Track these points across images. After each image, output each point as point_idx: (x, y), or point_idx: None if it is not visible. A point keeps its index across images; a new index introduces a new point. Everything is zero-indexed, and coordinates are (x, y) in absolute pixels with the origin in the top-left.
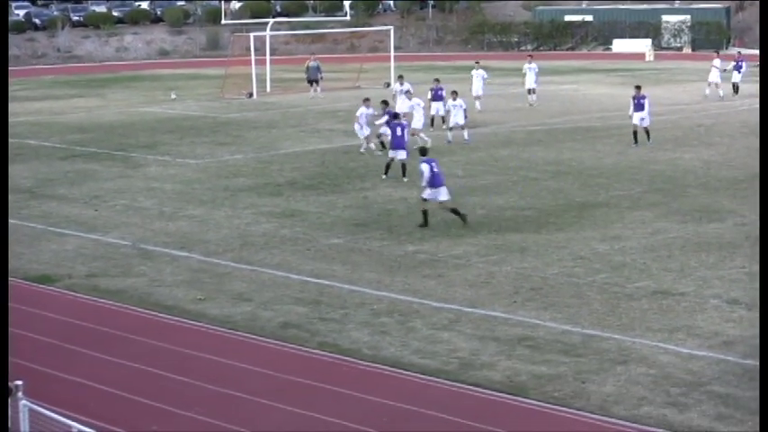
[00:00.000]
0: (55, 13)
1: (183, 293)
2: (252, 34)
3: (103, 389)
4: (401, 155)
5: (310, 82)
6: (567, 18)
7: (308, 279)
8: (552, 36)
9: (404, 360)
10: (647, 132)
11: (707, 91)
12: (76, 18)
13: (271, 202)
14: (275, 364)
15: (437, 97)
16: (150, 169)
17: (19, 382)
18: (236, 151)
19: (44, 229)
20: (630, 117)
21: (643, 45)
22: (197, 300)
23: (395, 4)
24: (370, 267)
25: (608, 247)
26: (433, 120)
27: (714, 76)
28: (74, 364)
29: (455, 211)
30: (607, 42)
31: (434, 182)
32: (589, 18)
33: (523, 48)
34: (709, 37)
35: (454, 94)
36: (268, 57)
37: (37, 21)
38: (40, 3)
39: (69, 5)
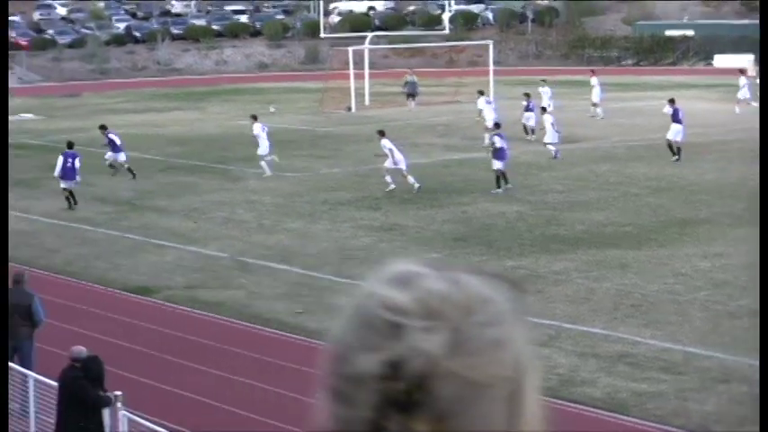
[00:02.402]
0: (155, 26)
1: (281, 306)
2: (350, 48)
3: (201, 400)
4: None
5: (409, 96)
6: (668, 33)
7: None
8: (653, 51)
9: None
10: (678, 148)
11: (737, 109)
12: (176, 31)
13: (369, 215)
14: None
15: (529, 108)
16: (249, 182)
17: (118, 393)
18: (334, 165)
19: (143, 240)
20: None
21: (745, 60)
22: (295, 313)
23: (494, 18)
24: None
25: (710, 265)
26: (525, 128)
27: (743, 92)
28: (171, 374)
29: (72, 197)
30: (708, 57)
31: (66, 175)
32: (690, 33)
33: (624, 62)
34: None
35: (543, 110)
36: (367, 70)
37: (137, 34)
38: (140, 16)
39: (169, 19)
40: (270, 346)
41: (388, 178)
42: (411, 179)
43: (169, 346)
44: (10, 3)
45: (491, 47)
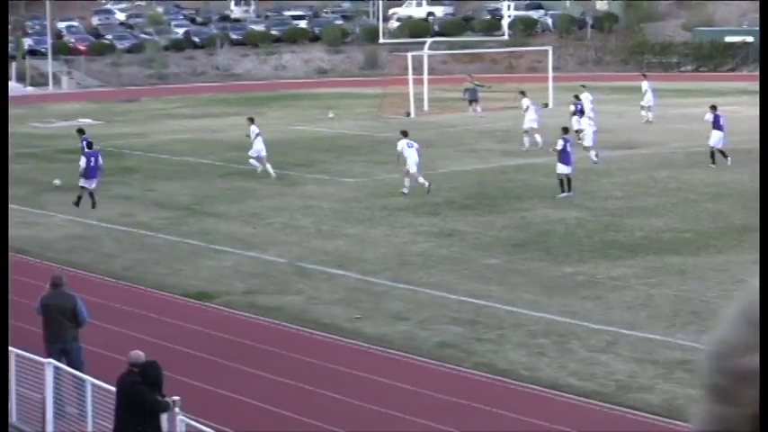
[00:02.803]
0: (214, 31)
1: (339, 312)
2: (410, 54)
3: (259, 405)
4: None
5: (471, 102)
6: (728, 39)
7: (465, 299)
8: (712, 57)
9: (561, 382)
10: (722, 152)
11: None
12: (235, 37)
13: (428, 221)
14: (431, 383)
15: (578, 112)
16: (308, 188)
17: (177, 398)
18: (393, 170)
19: (203, 246)
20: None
21: None
22: (354, 318)
23: (553, 24)
24: (527, 288)
25: None
26: (578, 133)
27: None
28: (229, 379)
29: (91, 196)
30: None
31: (88, 174)
32: (750, 39)
33: (683, 68)
34: None
35: (581, 113)
36: (426, 76)
37: (196, 39)
38: (199, 21)
39: (228, 24)
40: (328, 352)
41: (422, 179)
42: (407, 181)
43: (227, 350)
44: (70, 6)
45: (550, 52)
